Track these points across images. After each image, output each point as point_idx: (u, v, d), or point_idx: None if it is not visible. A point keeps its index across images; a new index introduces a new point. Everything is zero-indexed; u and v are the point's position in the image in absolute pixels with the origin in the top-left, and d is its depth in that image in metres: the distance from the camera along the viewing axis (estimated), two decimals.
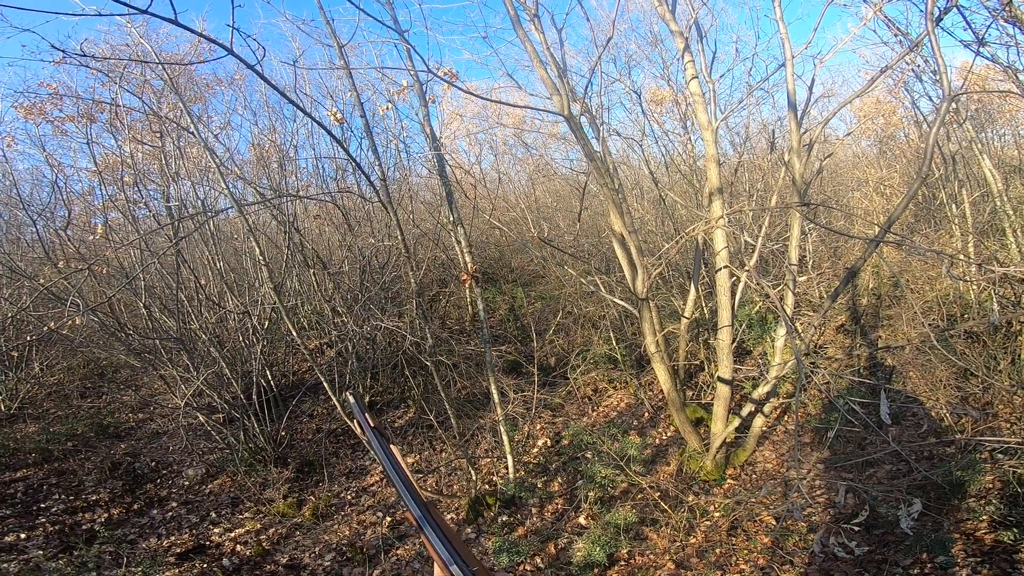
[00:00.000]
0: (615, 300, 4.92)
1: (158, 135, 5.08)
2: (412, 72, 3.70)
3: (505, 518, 4.26)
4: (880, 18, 4.37)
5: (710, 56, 4.63)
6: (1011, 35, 3.34)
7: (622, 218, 3.81)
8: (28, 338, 6.06)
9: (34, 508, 4.86)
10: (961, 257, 4.28)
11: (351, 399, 1.14)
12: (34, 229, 5.95)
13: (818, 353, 5.95)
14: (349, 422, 4.01)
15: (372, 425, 1.05)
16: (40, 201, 7.21)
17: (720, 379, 4.11)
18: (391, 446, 1.01)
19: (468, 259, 3.43)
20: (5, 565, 3.88)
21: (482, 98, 3.42)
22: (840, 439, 4.43)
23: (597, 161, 3.67)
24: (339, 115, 4.19)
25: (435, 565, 0.85)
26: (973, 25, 2.98)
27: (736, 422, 4.16)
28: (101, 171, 5.35)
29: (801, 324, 5.28)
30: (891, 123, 8.29)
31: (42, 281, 4.78)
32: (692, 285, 5.05)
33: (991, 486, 3.28)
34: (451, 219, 3.59)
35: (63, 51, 2.25)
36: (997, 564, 2.71)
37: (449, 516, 4.46)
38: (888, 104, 8.01)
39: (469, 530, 4.26)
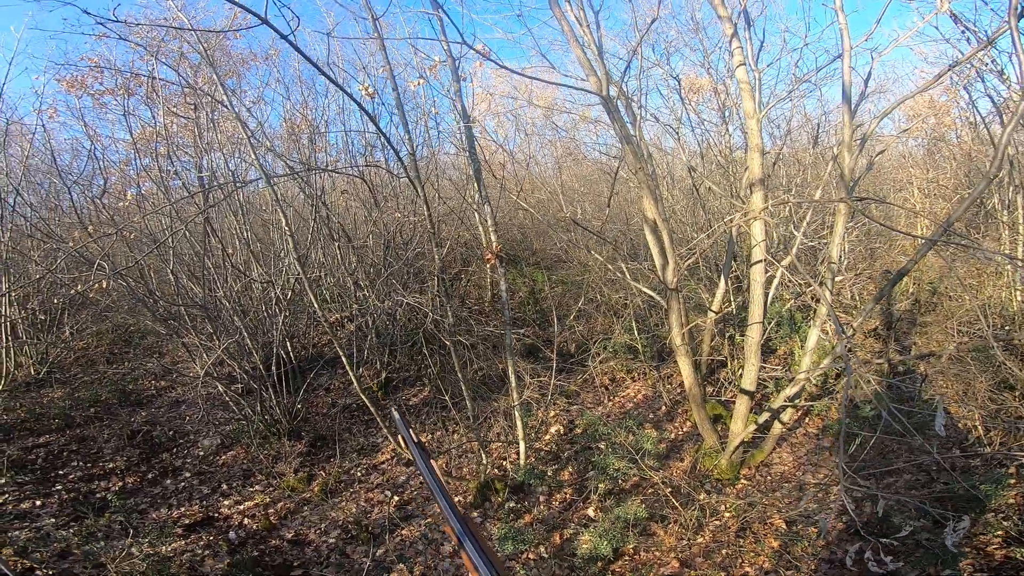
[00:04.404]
0: (642, 288, 4.81)
1: (192, 107, 5.12)
2: (445, 45, 3.60)
3: (513, 504, 4.24)
4: (947, 13, 4.08)
5: (757, 45, 4.42)
6: None
7: (656, 204, 3.68)
8: (55, 301, 6.24)
9: (52, 475, 4.96)
10: None
11: (395, 415, 1.23)
12: (71, 197, 6.10)
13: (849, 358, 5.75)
14: (392, 439, 4.03)
15: (415, 440, 1.13)
16: (78, 171, 7.41)
17: (741, 389, 4.00)
18: (431, 461, 1.09)
19: (493, 238, 3.36)
20: (17, 533, 3.97)
21: (517, 73, 3.32)
22: (861, 446, 4.31)
23: (633, 145, 3.54)
24: (371, 89, 4.13)
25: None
26: None
27: (756, 422, 4.05)
28: (137, 142, 5.43)
29: (834, 327, 5.09)
30: (943, 123, 7.88)
31: (72, 244, 4.89)
32: (722, 278, 4.90)
33: (1012, 501, 3.19)
34: (478, 197, 3.51)
35: (103, 22, 2.20)
36: None
37: (457, 499, 4.46)
38: (942, 104, 7.61)
39: (476, 514, 4.25)
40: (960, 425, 4.25)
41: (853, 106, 3.37)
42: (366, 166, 5.40)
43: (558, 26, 3.74)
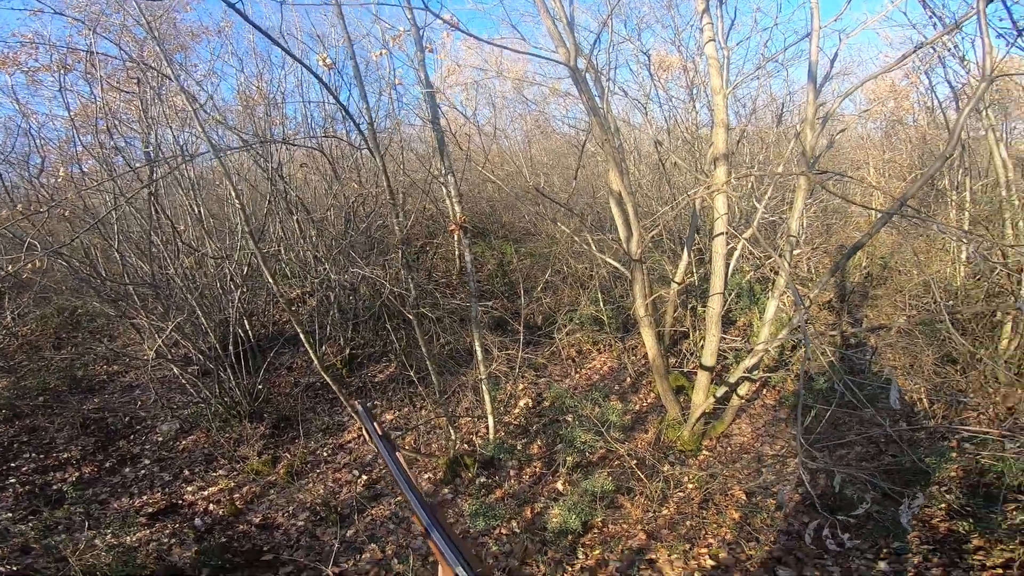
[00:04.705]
0: (606, 260, 4.82)
1: (136, 81, 4.81)
2: (409, 13, 3.40)
3: (483, 480, 4.25)
4: None
5: (728, 23, 4.39)
6: None
7: (622, 177, 3.66)
8: None
9: (3, 468, 4.73)
10: (990, 240, 4.22)
11: (359, 408, 1.23)
12: (0, 177, 5.63)
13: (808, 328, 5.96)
14: (362, 423, 3.93)
15: (380, 433, 1.14)
16: (14, 150, 6.83)
17: (702, 361, 4.09)
18: (397, 453, 1.09)
19: (458, 208, 3.27)
20: None
21: (485, 41, 3.19)
22: (816, 418, 4.51)
23: (599, 117, 3.47)
24: (329, 60, 3.90)
25: (440, 567, 0.90)
26: (1013, 15, 2.80)
27: (717, 394, 4.16)
28: (75, 119, 5.06)
29: (792, 298, 5.25)
30: (902, 107, 8.15)
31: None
32: (685, 250, 4.96)
33: (954, 474, 3.32)
34: (442, 168, 3.40)
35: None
36: (947, 553, 2.75)
37: (427, 476, 4.44)
38: (902, 88, 7.85)
39: (446, 491, 4.25)
40: (907, 398, 4.45)
41: (818, 85, 3.39)
42: (324, 137, 5.14)
43: None
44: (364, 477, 4.53)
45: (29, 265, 4.05)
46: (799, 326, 2.04)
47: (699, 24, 3.41)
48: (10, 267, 4.00)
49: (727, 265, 3.85)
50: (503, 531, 3.70)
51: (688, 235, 4.98)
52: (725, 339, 4.88)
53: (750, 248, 2.87)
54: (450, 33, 3.53)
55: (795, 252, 4.47)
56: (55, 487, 4.45)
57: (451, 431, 4.39)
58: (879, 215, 3.05)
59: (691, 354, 5.74)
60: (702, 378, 4.19)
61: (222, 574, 3.46)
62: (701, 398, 4.21)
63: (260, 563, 3.64)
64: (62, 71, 4.76)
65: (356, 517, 3.97)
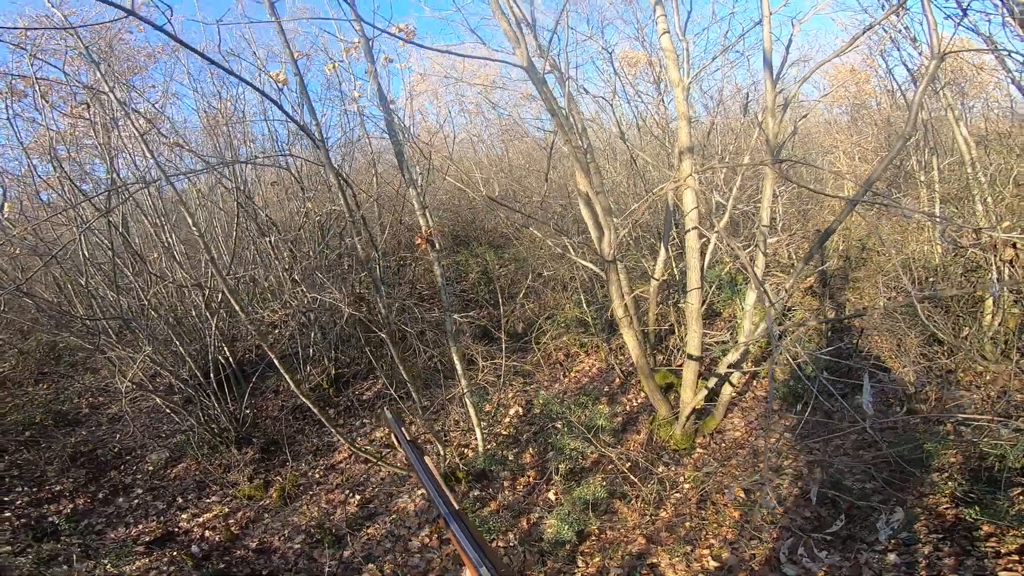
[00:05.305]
0: (583, 262, 4.79)
1: (86, 106, 4.71)
2: (358, 25, 3.34)
3: (477, 493, 4.19)
4: None
5: (685, 15, 4.39)
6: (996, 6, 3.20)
7: (588, 177, 3.62)
8: None
9: None
10: (959, 221, 4.24)
11: (388, 415, 1.32)
12: None
13: (788, 316, 5.97)
14: (343, 438, 3.90)
15: (408, 439, 1.20)
16: None
17: (688, 356, 4.05)
18: (425, 457, 1.15)
19: (424, 221, 3.22)
20: None
21: (436, 50, 3.17)
22: (807, 406, 4.48)
23: (560, 117, 3.44)
24: (282, 76, 3.86)
25: (467, 569, 0.93)
26: None
27: (705, 389, 4.12)
28: (27, 150, 4.94)
29: (772, 285, 5.26)
30: (864, 91, 8.27)
31: None
32: (662, 246, 4.94)
33: (953, 460, 3.27)
34: (403, 179, 3.34)
35: None
36: (958, 542, 2.70)
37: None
38: (862, 72, 7.98)
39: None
40: (897, 380, 4.41)
41: (775, 73, 3.38)
42: (281, 155, 5.07)
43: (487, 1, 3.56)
44: (357, 497, 4.48)
45: None
46: (768, 328, 2.00)
47: (653, 17, 3.40)
48: None
49: (703, 258, 3.83)
50: (500, 543, 3.64)
51: (664, 230, 4.96)
52: (709, 333, 4.86)
53: (726, 240, 2.85)
54: (404, 43, 3.49)
55: (771, 240, 4.46)
56: (50, 519, 4.44)
57: (439, 447, 4.32)
58: (847, 201, 3.04)
59: (678, 350, 5.70)
60: (688, 374, 4.15)
61: None
62: (690, 395, 4.18)
63: None
64: (11, 96, 4.62)
65: (350, 538, 3.93)
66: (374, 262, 3.58)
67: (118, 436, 5.63)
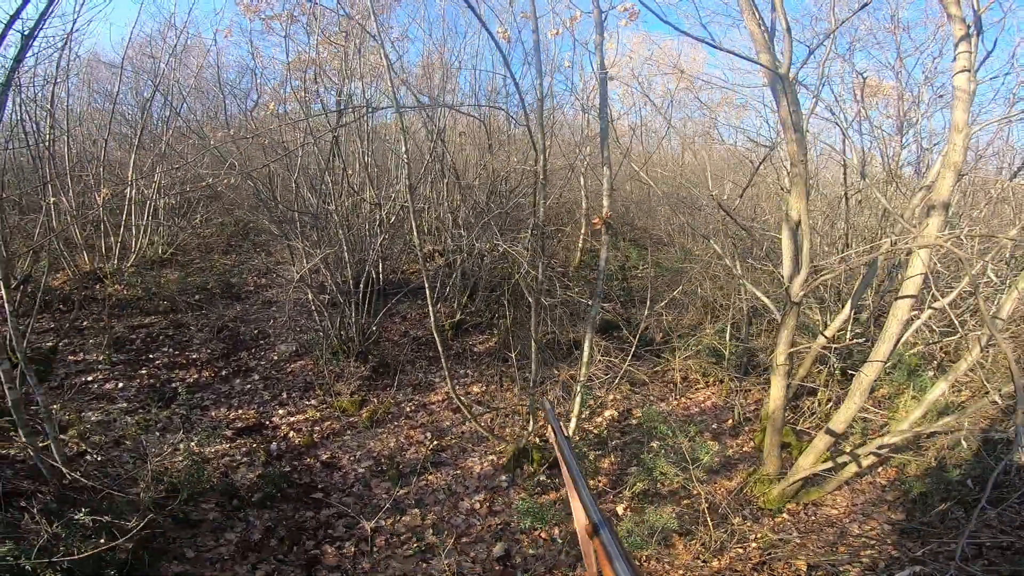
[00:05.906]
0: (757, 293, 4.36)
1: (344, 35, 5.35)
2: None
3: (543, 478, 4.13)
4: None
5: (982, 55, 3.65)
6: None
7: (805, 204, 3.24)
8: (187, 189, 7.03)
9: (144, 357, 5.28)
10: None
11: (547, 405, 1.48)
12: (226, 109, 6.68)
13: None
14: (448, 383, 4.09)
15: (566, 435, 1.29)
16: (239, 86, 8.16)
17: (829, 428, 3.55)
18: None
19: (606, 203, 3.15)
20: (90, 413, 4.26)
21: (685, 33, 2.99)
22: (927, 508, 3.74)
23: (800, 133, 3.10)
24: (508, 34, 3.99)
25: (603, 565, 0.93)
26: None
27: (831, 462, 3.70)
28: (291, 66, 5.81)
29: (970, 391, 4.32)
30: None
31: (212, 143, 5.39)
32: (847, 305, 4.31)
33: None
34: (601, 157, 3.29)
35: None
36: None
37: (490, 458, 4.42)
38: None
39: (504, 477, 4.20)
40: None
41: None
42: (489, 107, 5.31)
43: None
44: (435, 442, 4.57)
45: (225, 181, 4.76)
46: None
47: (954, 51, 2.82)
48: (210, 180, 4.74)
49: (902, 333, 3.26)
50: (543, 534, 3.57)
51: (857, 288, 4.30)
52: (870, 409, 4.21)
53: (951, 320, 2.36)
54: (628, 22, 3.40)
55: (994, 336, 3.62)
56: (174, 384, 4.87)
57: (530, 421, 4.32)
58: None
59: (811, 412, 5.12)
60: (820, 443, 3.69)
61: (271, 502, 3.62)
62: (810, 462, 3.74)
63: (308, 499, 3.77)
64: (289, 20, 5.45)
65: (413, 479, 4.01)
66: (540, 228, 3.63)
67: (266, 321, 6.15)
